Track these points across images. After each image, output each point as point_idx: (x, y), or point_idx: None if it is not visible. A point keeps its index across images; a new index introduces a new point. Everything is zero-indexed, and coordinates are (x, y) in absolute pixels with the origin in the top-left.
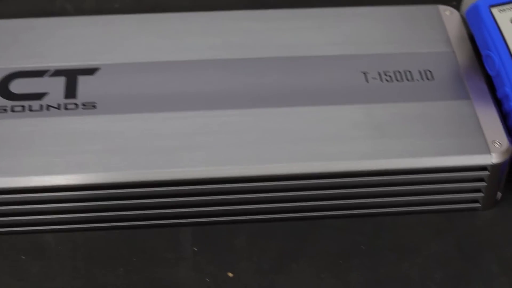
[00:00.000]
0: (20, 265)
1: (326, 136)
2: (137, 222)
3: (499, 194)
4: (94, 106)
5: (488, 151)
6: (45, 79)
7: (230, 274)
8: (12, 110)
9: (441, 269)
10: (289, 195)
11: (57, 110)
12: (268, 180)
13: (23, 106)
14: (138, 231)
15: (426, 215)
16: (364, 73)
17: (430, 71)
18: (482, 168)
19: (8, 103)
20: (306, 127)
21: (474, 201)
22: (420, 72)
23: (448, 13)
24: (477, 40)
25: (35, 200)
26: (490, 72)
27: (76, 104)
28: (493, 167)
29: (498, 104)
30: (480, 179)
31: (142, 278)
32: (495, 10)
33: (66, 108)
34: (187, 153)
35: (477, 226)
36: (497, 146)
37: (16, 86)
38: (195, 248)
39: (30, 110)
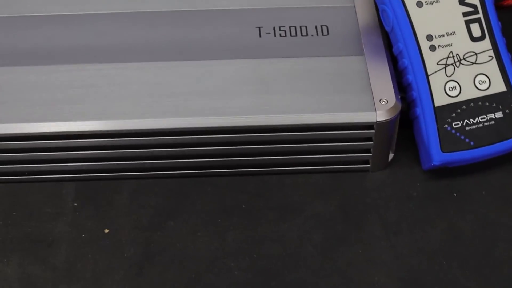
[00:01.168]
0: None
1: (209, 91)
2: (21, 176)
3: (391, 155)
4: None
5: (373, 108)
6: None
7: (106, 230)
8: None
9: (321, 231)
10: (169, 151)
11: None
12: (147, 135)
13: None
14: (22, 185)
15: (315, 175)
16: (259, 28)
17: (326, 26)
18: (369, 126)
19: None
20: (190, 81)
21: (365, 162)
22: (316, 27)
23: None
24: None
25: None
26: (386, 28)
27: None
28: (379, 125)
29: (395, 61)
30: (368, 139)
31: (19, 232)
32: None
33: None
34: (67, 106)
35: (365, 188)
36: (384, 103)
37: None
38: (75, 204)
39: None
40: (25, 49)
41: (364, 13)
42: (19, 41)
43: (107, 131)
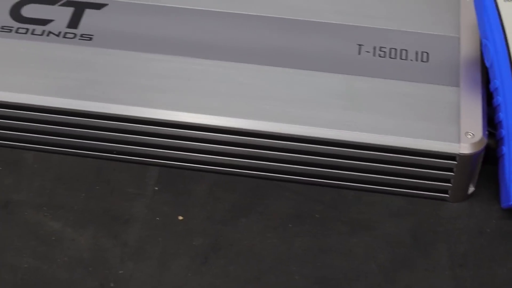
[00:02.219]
0: None
1: (300, 99)
2: (109, 154)
3: (471, 189)
4: (90, 38)
5: (458, 140)
6: (55, 8)
7: (180, 217)
8: (17, 31)
9: (387, 251)
10: (252, 152)
11: (56, 37)
12: (234, 133)
13: (27, 29)
14: (110, 162)
15: (392, 196)
16: (359, 45)
17: (427, 53)
18: (451, 157)
19: (15, 24)
20: (283, 87)
21: (443, 191)
22: (416, 53)
23: None
24: (479, 28)
25: (17, 116)
26: (486, 63)
27: (74, 34)
28: (462, 158)
29: (491, 97)
30: (449, 169)
31: (99, 206)
32: None
33: (64, 37)
34: (158, 94)
35: (439, 216)
36: (469, 137)
37: (28, 10)
38: (156, 188)
39: (32, 33)
40: (132, 34)
41: (467, 45)
42: (129, 26)
43: (194, 123)
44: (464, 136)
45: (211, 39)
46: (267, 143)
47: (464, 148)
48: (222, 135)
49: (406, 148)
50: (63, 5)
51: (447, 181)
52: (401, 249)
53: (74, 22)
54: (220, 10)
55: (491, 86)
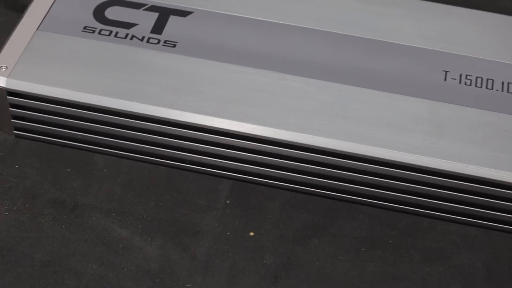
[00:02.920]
0: (63, 176)
1: (382, 122)
2: (182, 164)
3: None
4: (174, 45)
5: None
6: (140, 12)
7: (251, 233)
8: (100, 33)
9: (460, 282)
10: (329, 172)
11: (139, 41)
12: (310, 151)
13: (110, 31)
14: (182, 172)
15: (468, 227)
16: (445, 72)
17: None
18: None
19: (98, 26)
20: (365, 108)
21: None
22: (502, 83)
23: None
24: None
25: (92, 118)
26: None
27: (158, 40)
28: None
29: None
30: None
31: (168, 215)
32: None
33: (148, 42)
34: (241, 107)
35: None
36: None
37: (112, 12)
38: (227, 201)
39: (116, 36)
40: (216, 44)
41: None
42: (214, 36)
43: (274, 139)
44: None
45: (297, 55)
46: (345, 164)
47: None
48: (301, 152)
49: (487, 178)
50: (148, 9)
51: None
52: (475, 281)
53: (158, 28)
54: (307, 27)
55: None
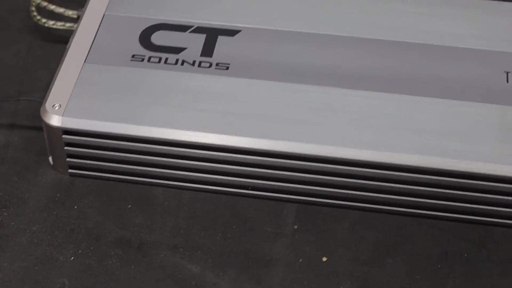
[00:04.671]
0: (125, 213)
1: (452, 132)
2: (245, 190)
3: None
4: (227, 67)
5: None
6: (187, 35)
7: (324, 258)
8: (149, 60)
9: None
10: (399, 187)
11: (191, 66)
12: (381, 168)
13: (160, 58)
14: (244, 199)
15: None
16: (507, 73)
17: None
18: None
19: (147, 53)
20: (433, 119)
21: None
22: None
23: None
24: None
25: (151, 151)
26: None
27: (210, 63)
28: None
29: None
30: None
31: (238, 247)
32: None
33: (199, 66)
34: (305, 127)
35: None
36: None
37: (158, 38)
38: (295, 226)
39: (166, 62)
40: (270, 62)
41: None
42: (266, 54)
43: (340, 158)
44: None
45: (355, 67)
46: (419, 179)
47: None
48: (371, 170)
49: None
50: (194, 31)
51: None
52: None
53: (208, 50)
54: (360, 36)
55: None
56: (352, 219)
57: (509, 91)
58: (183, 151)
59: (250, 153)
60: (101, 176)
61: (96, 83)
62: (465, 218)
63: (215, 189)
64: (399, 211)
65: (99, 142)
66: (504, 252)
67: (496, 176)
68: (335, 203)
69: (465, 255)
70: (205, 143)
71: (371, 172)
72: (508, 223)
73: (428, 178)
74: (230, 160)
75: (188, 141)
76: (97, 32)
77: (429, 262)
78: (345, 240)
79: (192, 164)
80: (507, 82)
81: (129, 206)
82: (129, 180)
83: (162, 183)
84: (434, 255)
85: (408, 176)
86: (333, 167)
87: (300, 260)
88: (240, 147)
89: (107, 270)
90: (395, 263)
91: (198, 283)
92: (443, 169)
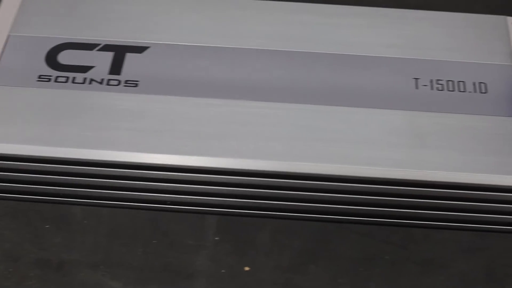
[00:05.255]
0: (43, 233)
1: (362, 140)
2: (163, 205)
3: None
4: (136, 85)
5: None
6: (94, 53)
7: (246, 268)
8: (56, 81)
9: None
10: (316, 196)
11: (99, 84)
12: (296, 178)
13: (67, 78)
14: (164, 213)
15: (462, 232)
16: (416, 79)
17: (485, 84)
18: None
19: (53, 73)
20: (343, 128)
21: None
22: (474, 84)
23: None
24: None
25: (64, 171)
26: None
27: (118, 81)
28: None
29: None
30: None
31: (159, 261)
32: None
33: (108, 84)
34: (218, 142)
35: None
36: None
37: (65, 57)
38: (216, 238)
39: (73, 82)
40: (179, 77)
41: None
42: (175, 69)
43: (254, 170)
44: None
45: (264, 79)
46: (332, 186)
47: None
48: (285, 180)
49: (476, 184)
50: (101, 49)
51: None
52: (477, 286)
53: (116, 68)
54: (267, 48)
55: None
56: (272, 228)
57: (418, 97)
58: (96, 169)
59: (163, 169)
60: (17, 197)
61: (3, 105)
62: (385, 222)
63: (134, 205)
64: (319, 218)
65: (10, 164)
66: (423, 252)
67: (409, 180)
68: (254, 213)
69: (387, 257)
70: (117, 161)
71: (285, 182)
72: (426, 224)
73: (342, 186)
74: (144, 177)
75: (97, 160)
76: (1, 53)
77: (351, 266)
78: (266, 249)
79: (105, 182)
80: (417, 88)
81: (47, 226)
82: (45, 200)
83: (79, 201)
84: (356, 259)
85: (322, 184)
86: (246, 179)
87: (223, 270)
88: (152, 164)
89: None
90: (318, 269)
91: None
92: (356, 177)
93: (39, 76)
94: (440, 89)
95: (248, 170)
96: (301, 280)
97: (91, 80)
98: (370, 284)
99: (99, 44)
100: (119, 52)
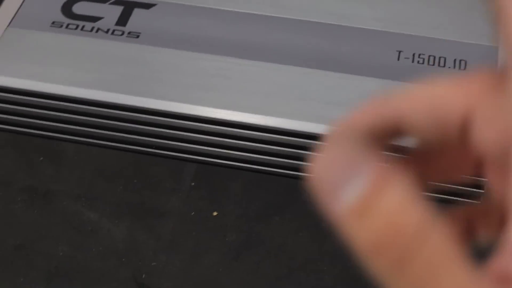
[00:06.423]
0: (36, 165)
1: (337, 102)
2: (149, 149)
3: None
4: (137, 36)
5: None
6: (106, 6)
7: (214, 213)
8: (67, 27)
9: None
10: (288, 152)
11: (104, 33)
12: (269, 132)
13: (77, 26)
14: (148, 157)
15: None
16: (399, 52)
17: (465, 61)
18: None
19: (66, 21)
20: (319, 89)
21: None
22: (454, 61)
23: None
24: None
25: (61, 108)
26: None
27: (122, 32)
28: None
29: None
30: None
31: (135, 199)
32: None
33: (112, 33)
34: (202, 92)
35: None
36: None
37: (79, 8)
38: (192, 183)
39: (82, 29)
40: (178, 33)
41: (506, 56)
42: (175, 26)
43: (233, 121)
44: None
45: (255, 41)
46: (303, 143)
47: None
48: (259, 133)
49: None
50: (113, 3)
51: None
52: None
53: (123, 20)
54: (263, 14)
55: None
56: (245, 180)
57: (397, 67)
58: (90, 109)
59: (150, 113)
60: (18, 130)
61: (15, 45)
62: None
63: (121, 147)
64: (289, 174)
65: (16, 98)
66: None
67: None
68: (230, 164)
69: None
70: (110, 102)
71: (258, 135)
72: None
73: (309, 143)
74: (132, 120)
75: (93, 100)
76: (24, 0)
77: (314, 221)
78: (237, 198)
79: (98, 122)
80: (398, 60)
81: (41, 158)
82: (43, 135)
83: (73, 138)
84: (320, 215)
85: (292, 140)
86: (223, 129)
87: (192, 213)
88: (140, 107)
89: (12, 213)
90: (281, 221)
91: (94, 229)
92: (321, 135)
93: (53, 23)
94: (421, 62)
95: (224, 120)
96: (263, 229)
97: (98, 29)
98: (329, 239)
99: None
100: (128, 7)
